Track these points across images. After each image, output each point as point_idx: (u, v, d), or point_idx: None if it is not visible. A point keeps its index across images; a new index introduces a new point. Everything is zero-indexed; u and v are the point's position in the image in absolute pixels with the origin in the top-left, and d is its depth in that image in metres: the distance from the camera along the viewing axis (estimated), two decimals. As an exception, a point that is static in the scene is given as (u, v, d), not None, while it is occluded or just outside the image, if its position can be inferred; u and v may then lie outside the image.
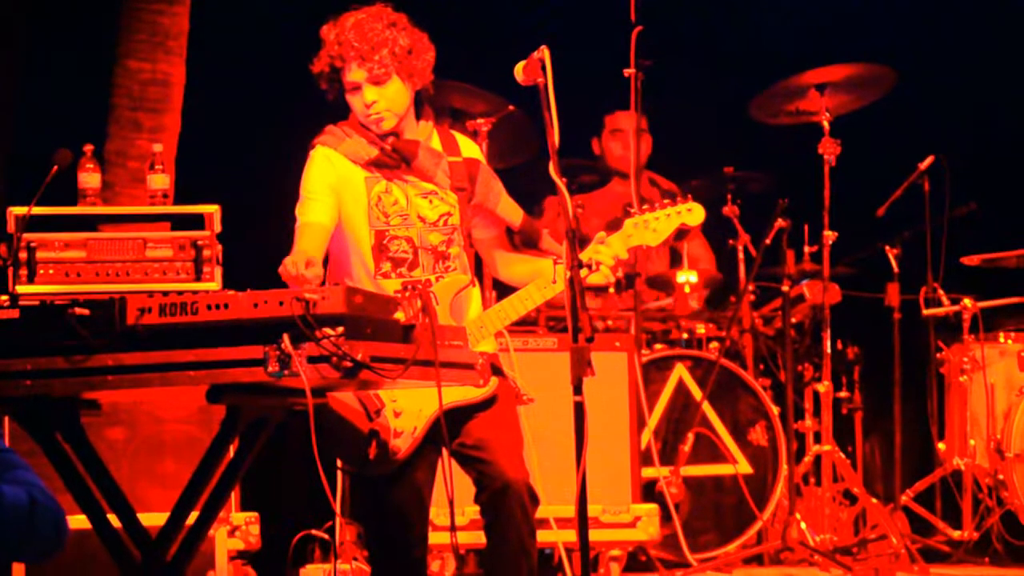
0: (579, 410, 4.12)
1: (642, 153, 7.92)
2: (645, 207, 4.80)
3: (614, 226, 4.76)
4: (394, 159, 4.80)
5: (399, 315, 3.92)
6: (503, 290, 5.30)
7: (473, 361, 4.21)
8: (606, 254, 4.69)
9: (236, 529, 5.91)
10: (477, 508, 4.66)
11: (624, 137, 8.09)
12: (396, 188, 4.81)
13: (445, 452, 4.64)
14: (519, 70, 4.42)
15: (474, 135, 6.86)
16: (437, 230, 4.81)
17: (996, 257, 7.39)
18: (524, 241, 5.06)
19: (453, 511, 4.44)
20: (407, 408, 4.64)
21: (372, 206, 4.78)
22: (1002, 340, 7.35)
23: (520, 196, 5.07)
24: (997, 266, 7.44)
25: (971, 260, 7.43)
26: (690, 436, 7.24)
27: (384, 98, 4.76)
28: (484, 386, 4.53)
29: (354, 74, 4.75)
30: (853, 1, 8.81)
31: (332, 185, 4.77)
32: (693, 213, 4.80)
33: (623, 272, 6.96)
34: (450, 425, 4.52)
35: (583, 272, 4.27)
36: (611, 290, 7.35)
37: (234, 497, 5.91)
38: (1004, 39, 8.59)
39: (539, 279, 4.74)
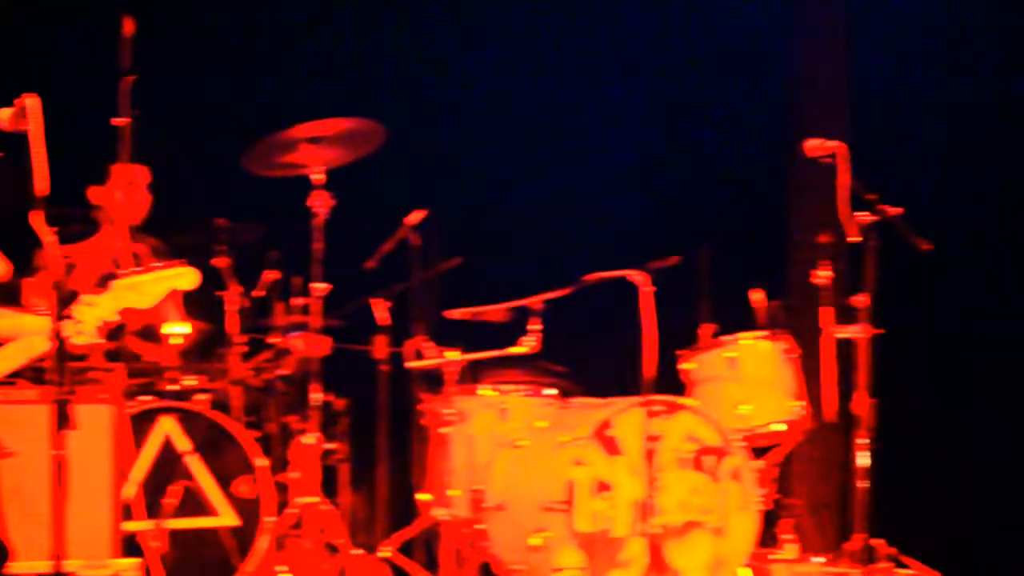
0: (58, 464, 4.04)
1: (142, 208, 7.81)
2: (140, 268, 4.73)
3: (103, 283, 4.66)
4: None
5: None
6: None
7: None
8: (93, 315, 4.58)
9: None
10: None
11: (128, 190, 7.83)
12: None
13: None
14: (4, 117, 4.28)
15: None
16: None
17: (481, 311, 7.60)
18: (5, 297, 4.90)
19: None
20: None
21: None
22: (484, 392, 7.55)
23: (5, 247, 4.90)
24: (482, 320, 7.65)
25: (457, 313, 7.62)
26: (176, 489, 7.14)
27: None
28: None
29: None
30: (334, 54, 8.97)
31: None
32: (185, 278, 4.75)
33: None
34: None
35: (69, 330, 4.17)
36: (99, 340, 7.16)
37: None
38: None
39: (22, 340, 4.59)
